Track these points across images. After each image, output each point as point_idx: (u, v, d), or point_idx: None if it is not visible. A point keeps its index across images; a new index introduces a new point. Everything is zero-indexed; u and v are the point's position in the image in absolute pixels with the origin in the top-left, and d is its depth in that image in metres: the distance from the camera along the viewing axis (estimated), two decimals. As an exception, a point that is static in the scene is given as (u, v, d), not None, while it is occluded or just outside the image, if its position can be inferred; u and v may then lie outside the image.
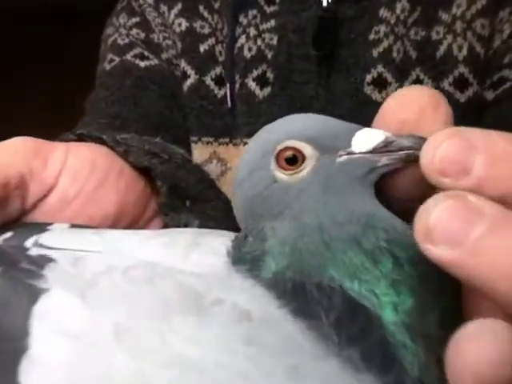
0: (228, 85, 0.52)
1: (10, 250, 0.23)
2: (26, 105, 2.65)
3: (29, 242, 0.24)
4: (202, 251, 0.23)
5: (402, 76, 0.52)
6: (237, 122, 0.52)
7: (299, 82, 0.53)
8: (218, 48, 0.54)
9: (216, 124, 0.53)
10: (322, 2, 0.52)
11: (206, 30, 0.55)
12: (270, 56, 0.53)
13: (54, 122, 2.54)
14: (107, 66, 0.58)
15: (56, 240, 0.24)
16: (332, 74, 0.53)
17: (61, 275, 0.22)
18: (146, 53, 0.56)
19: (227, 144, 0.53)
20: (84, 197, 0.29)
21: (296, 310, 0.21)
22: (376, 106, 0.49)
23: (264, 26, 0.54)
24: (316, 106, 0.53)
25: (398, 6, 0.52)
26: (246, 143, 0.51)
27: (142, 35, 0.57)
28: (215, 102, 0.53)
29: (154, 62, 0.56)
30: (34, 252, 0.23)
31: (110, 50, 0.59)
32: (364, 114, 0.50)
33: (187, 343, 0.20)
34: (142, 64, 0.56)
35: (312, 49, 0.52)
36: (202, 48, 0.54)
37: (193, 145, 0.54)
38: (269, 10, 0.55)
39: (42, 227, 0.25)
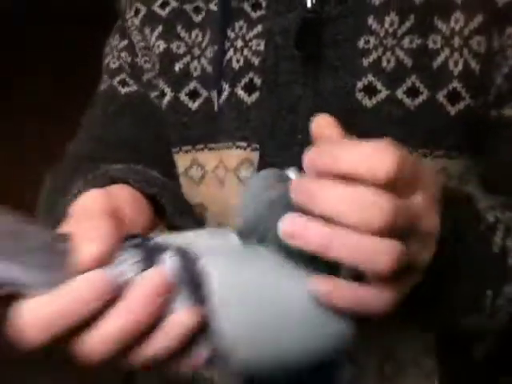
0: (216, 94, 0.56)
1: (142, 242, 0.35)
2: (26, 104, 2.66)
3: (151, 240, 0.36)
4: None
5: (395, 84, 0.53)
6: (224, 127, 0.56)
7: (286, 83, 0.54)
8: (194, 64, 0.58)
9: (192, 133, 0.58)
10: (306, 3, 0.54)
11: (182, 50, 0.59)
12: (257, 62, 0.56)
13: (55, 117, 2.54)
14: (101, 87, 0.68)
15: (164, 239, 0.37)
16: (319, 74, 0.54)
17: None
18: (127, 79, 0.64)
19: (203, 150, 0.57)
20: (134, 221, 0.40)
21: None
22: (366, 112, 0.52)
23: (251, 34, 0.56)
24: (303, 106, 0.54)
25: (387, 20, 0.53)
26: (238, 146, 0.55)
27: (129, 59, 0.64)
28: (190, 114, 0.58)
29: (134, 88, 0.63)
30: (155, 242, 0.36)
31: (105, 71, 0.68)
32: (354, 119, 0.52)
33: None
34: (123, 91, 0.63)
35: (294, 49, 0.54)
36: (177, 67, 0.59)
37: (175, 155, 0.59)
38: (255, 15, 0.57)
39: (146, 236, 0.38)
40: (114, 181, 0.43)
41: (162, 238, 0.37)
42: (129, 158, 0.54)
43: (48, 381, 2.15)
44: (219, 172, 0.56)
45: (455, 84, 0.53)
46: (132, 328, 0.33)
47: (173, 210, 0.44)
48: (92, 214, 0.36)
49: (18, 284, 0.32)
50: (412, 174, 0.36)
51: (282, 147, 0.54)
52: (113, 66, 0.67)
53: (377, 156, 0.34)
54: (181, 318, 0.34)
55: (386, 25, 0.53)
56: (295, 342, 0.36)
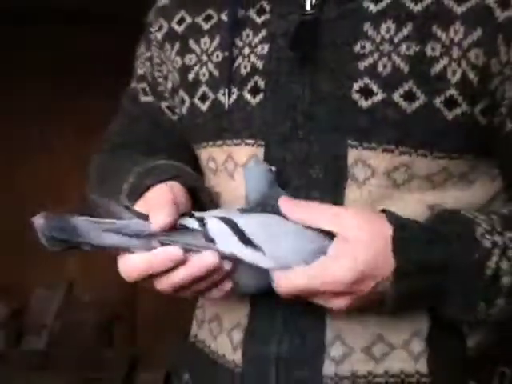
0: (226, 97, 0.62)
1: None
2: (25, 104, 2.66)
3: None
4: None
5: (391, 87, 0.55)
6: (233, 126, 0.61)
7: (286, 84, 0.58)
8: (202, 70, 0.64)
9: (204, 132, 0.65)
10: (305, 5, 0.57)
11: (193, 61, 0.65)
12: (261, 66, 0.60)
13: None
14: (131, 84, 0.77)
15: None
16: (316, 75, 0.57)
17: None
18: (147, 89, 0.73)
19: (213, 146, 0.64)
20: (184, 206, 0.56)
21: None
22: (362, 112, 0.55)
23: (256, 40, 0.60)
24: (301, 107, 0.57)
25: (383, 27, 0.55)
26: (246, 144, 0.60)
27: (149, 69, 0.72)
28: (202, 115, 0.64)
29: (150, 99, 0.72)
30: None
31: (134, 72, 0.77)
32: (350, 119, 0.55)
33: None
34: (142, 99, 0.73)
35: (288, 50, 0.58)
36: (190, 77, 0.65)
37: (197, 151, 0.67)
38: (260, 20, 0.61)
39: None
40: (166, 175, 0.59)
41: (203, 213, 0.56)
42: (149, 152, 0.69)
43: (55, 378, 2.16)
44: (228, 165, 0.62)
45: (452, 91, 0.54)
46: (188, 281, 0.53)
47: (205, 199, 0.61)
48: (161, 201, 0.54)
49: (124, 247, 0.53)
50: (371, 262, 0.51)
51: (285, 143, 0.58)
52: (139, 71, 0.75)
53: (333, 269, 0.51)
54: (208, 257, 0.51)
55: (383, 32, 0.55)
56: (295, 253, 0.54)
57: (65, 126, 2.68)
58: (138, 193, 0.58)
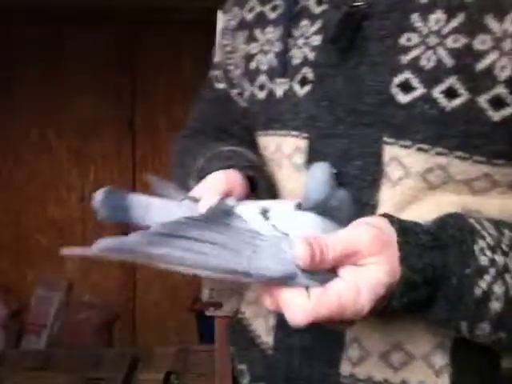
0: (278, 88, 0.61)
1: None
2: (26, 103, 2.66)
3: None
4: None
5: (432, 83, 0.51)
6: (281, 117, 0.61)
7: (331, 76, 0.57)
8: (263, 60, 0.64)
9: (259, 120, 0.65)
10: None
11: (256, 49, 0.66)
12: (312, 57, 0.59)
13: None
14: (210, 71, 0.79)
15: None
16: (359, 67, 0.55)
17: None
18: (219, 76, 0.75)
19: (266, 135, 0.64)
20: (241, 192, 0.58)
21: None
22: (400, 107, 0.52)
23: (311, 30, 0.59)
24: (342, 101, 0.56)
25: (432, 17, 0.52)
26: (292, 135, 0.60)
27: (223, 57, 0.73)
28: (258, 104, 0.65)
29: (223, 85, 0.75)
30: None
31: (213, 59, 0.78)
32: (387, 114, 0.53)
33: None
34: (215, 85, 0.77)
35: (328, 42, 0.57)
36: (252, 65, 0.66)
37: (256, 138, 0.68)
38: (317, 10, 0.59)
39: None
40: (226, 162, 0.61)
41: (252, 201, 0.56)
42: (222, 138, 0.74)
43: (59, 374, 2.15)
44: (277, 156, 0.63)
45: (500, 89, 0.50)
46: None
47: (263, 186, 0.62)
48: (212, 189, 0.56)
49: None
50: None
51: (327, 136, 0.57)
52: (215, 59, 0.77)
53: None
54: None
55: (431, 23, 0.52)
56: None
57: (65, 126, 2.68)
58: (201, 177, 0.60)
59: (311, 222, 0.51)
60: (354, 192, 0.55)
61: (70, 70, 2.64)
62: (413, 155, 0.52)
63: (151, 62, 2.65)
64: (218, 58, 0.76)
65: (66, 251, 0.43)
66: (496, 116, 0.50)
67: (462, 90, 0.50)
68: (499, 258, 0.48)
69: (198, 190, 0.57)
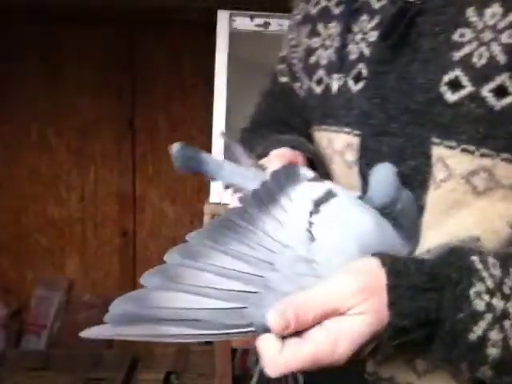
0: (334, 83, 0.61)
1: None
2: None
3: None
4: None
5: (482, 80, 0.49)
6: (335, 112, 0.61)
7: (383, 73, 0.56)
8: (323, 54, 0.64)
9: (315, 115, 0.66)
10: None
11: (317, 44, 0.65)
12: (368, 53, 0.58)
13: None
14: (276, 66, 0.80)
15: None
16: (412, 65, 0.54)
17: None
18: (285, 70, 0.76)
19: (319, 130, 0.65)
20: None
21: None
22: (447, 106, 0.51)
23: (369, 25, 0.58)
24: (394, 98, 0.55)
25: (488, 12, 0.50)
26: (344, 131, 0.60)
27: (289, 51, 0.74)
28: (315, 98, 0.65)
29: (286, 79, 0.76)
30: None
31: (280, 53, 0.79)
32: (434, 113, 0.51)
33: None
34: (279, 79, 0.78)
35: (379, 39, 0.56)
36: (312, 60, 0.66)
37: (312, 132, 0.68)
38: (377, 6, 0.58)
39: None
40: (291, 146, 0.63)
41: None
42: (283, 131, 0.73)
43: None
44: (328, 151, 0.63)
45: None
46: None
47: (320, 171, 0.61)
48: (284, 156, 0.59)
49: (240, 187, 0.58)
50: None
51: (379, 134, 0.56)
52: (281, 53, 0.78)
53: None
54: None
55: (486, 17, 0.50)
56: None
57: (65, 126, 2.68)
58: (264, 155, 0.61)
59: (364, 223, 0.51)
60: None
61: (70, 69, 2.63)
62: (457, 156, 0.51)
63: (151, 62, 2.65)
64: (283, 52, 0.77)
65: (84, 333, 0.47)
66: None
67: None
68: (498, 303, 0.45)
69: (265, 160, 0.60)
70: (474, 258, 0.47)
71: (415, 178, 0.54)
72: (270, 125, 0.77)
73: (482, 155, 0.50)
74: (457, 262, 0.47)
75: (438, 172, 0.52)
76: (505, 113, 0.49)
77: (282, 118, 0.77)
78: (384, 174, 0.53)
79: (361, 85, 0.58)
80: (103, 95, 2.66)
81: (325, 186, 0.55)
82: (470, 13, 0.51)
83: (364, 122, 0.57)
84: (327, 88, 0.62)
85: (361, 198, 0.54)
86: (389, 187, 0.52)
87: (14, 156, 2.68)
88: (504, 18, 0.49)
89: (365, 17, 0.59)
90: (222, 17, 1.42)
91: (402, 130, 0.54)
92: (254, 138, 0.72)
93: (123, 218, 2.73)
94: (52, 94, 2.64)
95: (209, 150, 1.38)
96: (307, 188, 0.54)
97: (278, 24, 1.45)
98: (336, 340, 0.43)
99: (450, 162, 0.51)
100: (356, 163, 0.59)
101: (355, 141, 0.58)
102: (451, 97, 0.51)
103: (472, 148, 0.50)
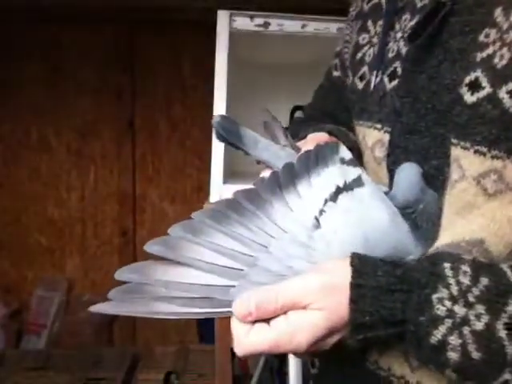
0: (373, 80, 0.62)
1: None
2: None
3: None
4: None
5: (501, 81, 0.49)
6: (369, 108, 0.62)
7: (415, 73, 0.56)
8: (369, 51, 0.65)
9: (355, 109, 0.67)
10: None
11: (365, 41, 0.67)
12: (404, 52, 0.58)
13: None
14: (332, 61, 0.81)
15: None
16: (442, 65, 0.54)
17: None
18: (338, 64, 0.78)
19: (357, 125, 0.66)
20: None
21: None
22: (465, 107, 0.51)
23: (410, 24, 0.58)
24: (424, 98, 0.55)
25: None
26: (375, 128, 0.61)
27: (342, 46, 0.75)
28: (356, 93, 0.67)
29: (339, 73, 0.77)
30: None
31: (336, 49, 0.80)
32: (454, 113, 0.52)
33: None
34: (333, 73, 0.79)
35: (408, 38, 0.56)
36: (358, 56, 0.67)
37: (358, 127, 0.68)
38: (420, 4, 0.58)
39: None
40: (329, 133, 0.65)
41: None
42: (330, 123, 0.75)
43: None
44: (362, 146, 0.65)
45: None
46: None
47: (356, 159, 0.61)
48: (319, 138, 0.60)
49: (271, 164, 0.60)
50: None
51: (408, 132, 0.57)
52: (337, 48, 0.79)
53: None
54: None
55: None
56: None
57: (65, 126, 2.68)
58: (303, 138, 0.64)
59: (379, 219, 0.52)
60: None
61: (70, 70, 2.64)
62: (470, 157, 0.51)
63: (151, 62, 2.65)
64: (339, 47, 0.78)
65: (92, 308, 0.52)
66: None
67: None
68: (459, 310, 0.46)
69: (302, 143, 0.62)
70: (447, 265, 0.48)
71: (438, 178, 0.54)
72: (318, 118, 0.79)
73: (493, 157, 0.50)
74: (429, 267, 0.48)
75: (453, 172, 0.52)
76: None
77: (331, 111, 0.79)
78: (409, 174, 0.55)
79: (394, 83, 0.59)
80: (103, 95, 2.66)
81: (356, 172, 0.56)
82: (498, 12, 0.50)
83: (395, 120, 0.58)
84: (367, 84, 0.64)
85: (386, 193, 0.55)
86: (413, 187, 0.54)
87: (14, 156, 2.68)
88: None
89: (407, 15, 0.59)
90: (222, 17, 1.42)
91: (428, 130, 0.55)
92: (300, 127, 0.75)
93: (123, 217, 2.73)
94: (52, 94, 2.64)
95: (209, 150, 1.39)
96: (337, 172, 0.55)
97: (278, 24, 1.44)
98: (295, 330, 0.48)
99: (463, 162, 0.51)
100: (384, 159, 0.59)
101: (385, 137, 0.59)
102: (470, 98, 0.51)
103: (484, 149, 0.50)
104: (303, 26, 1.42)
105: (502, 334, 0.45)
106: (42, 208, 2.72)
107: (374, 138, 0.61)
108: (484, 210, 0.51)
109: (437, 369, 0.49)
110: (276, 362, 1.83)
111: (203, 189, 2.49)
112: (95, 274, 2.75)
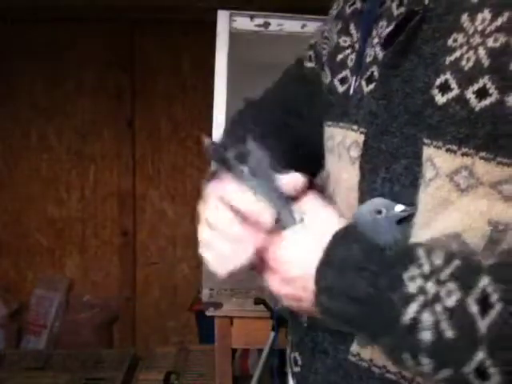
0: (353, 84, 0.64)
1: None
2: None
3: None
4: None
5: (467, 83, 0.52)
6: (349, 111, 0.64)
7: (390, 76, 0.59)
8: (351, 56, 0.67)
9: (334, 111, 0.68)
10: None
11: (347, 44, 0.68)
12: (380, 57, 0.61)
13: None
14: (304, 52, 0.81)
15: None
16: (416, 69, 0.57)
17: None
18: (313, 56, 0.78)
19: (336, 126, 0.67)
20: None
21: None
22: (437, 108, 0.53)
23: (386, 30, 0.61)
24: (398, 100, 0.58)
25: (479, 17, 0.52)
26: (352, 129, 0.63)
27: (320, 40, 0.76)
28: (336, 96, 0.68)
29: (312, 65, 0.78)
30: None
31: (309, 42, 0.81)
32: (426, 114, 0.54)
33: None
34: (306, 64, 0.79)
35: (382, 45, 0.59)
36: (339, 57, 0.68)
37: (325, 127, 0.70)
38: (396, 12, 0.61)
39: None
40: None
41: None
42: (290, 118, 0.77)
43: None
44: (340, 147, 0.66)
45: None
46: None
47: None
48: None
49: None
50: None
51: (382, 134, 0.59)
52: (311, 41, 0.79)
53: None
54: None
55: (477, 22, 0.52)
56: None
57: (65, 126, 2.68)
58: None
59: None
60: (397, 189, 0.57)
61: (70, 69, 2.64)
62: (442, 156, 0.53)
63: (151, 61, 2.65)
64: (313, 40, 0.79)
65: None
66: None
67: (492, 90, 0.50)
68: (430, 287, 0.47)
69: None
70: (420, 248, 0.50)
71: (407, 177, 0.57)
72: (275, 111, 0.80)
73: (463, 154, 0.52)
74: (402, 250, 0.51)
75: (427, 171, 0.55)
76: (483, 113, 0.51)
77: (293, 103, 0.80)
78: (384, 222, 0.57)
79: (371, 86, 0.61)
80: (103, 95, 2.66)
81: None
82: (465, 18, 0.53)
83: (370, 121, 0.61)
84: (348, 88, 0.66)
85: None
86: (390, 233, 0.56)
87: (14, 156, 2.69)
88: (492, 22, 0.51)
89: (384, 22, 0.62)
90: (222, 17, 1.42)
91: (399, 130, 0.58)
92: (246, 120, 0.78)
93: (123, 218, 2.73)
94: (52, 94, 2.64)
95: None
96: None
97: (278, 24, 1.44)
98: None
99: (436, 161, 0.54)
100: (358, 159, 0.62)
101: (361, 138, 0.62)
102: (441, 99, 0.54)
103: (455, 148, 0.53)
104: (303, 26, 1.42)
105: (474, 309, 0.45)
106: (42, 208, 2.72)
107: (350, 138, 0.63)
108: (458, 205, 0.53)
109: (414, 359, 0.48)
110: (276, 362, 1.83)
111: (203, 189, 2.49)
112: (95, 274, 2.75)
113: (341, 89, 0.68)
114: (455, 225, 0.53)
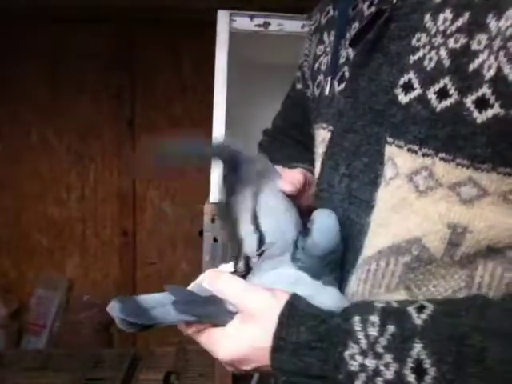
0: (326, 85, 0.66)
1: None
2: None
3: None
4: None
5: (429, 83, 0.52)
6: (322, 111, 0.67)
7: (358, 76, 0.60)
8: (323, 61, 0.69)
9: (313, 115, 0.71)
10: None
11: (321, 51, 0.70)
12: (352, 57, 0.62)
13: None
14: (295, 73, 0.85)
15: None
16: (382, 68, 0.57)
17: None
18: (300, 77, 0.81)
19: (316, 129, 0.69)
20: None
21: None
22: (400, 107, 0.54)
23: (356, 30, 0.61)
24: (363, 98, 0.59)
25: (441, 17, 0.52)
26: (323, 127, 0.66)
27: (303, 59, 0.79)
28: (315, 101, 0.70)
29: (300, 86, 0.82)
30: None
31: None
32: (389, 113, 0.55)
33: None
34: (297, 86, 0.83)
35: (349, 44, 0.60)
36: (316, 66, 0.71)
37: (315, 131, 0.72)
38: (366, 12, 0.61)
39: None
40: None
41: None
42: (297, 136, 0.85)
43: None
44: (319, 148, 0.68)
45: (485, 90, 0.48)
46: None
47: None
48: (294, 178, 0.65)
49: (192, 321, 0.63)
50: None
51: (346, 132, 0.61)
52: (299, 60, 0.82)
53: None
54: None
55: (439, 22, 0.52)
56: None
57: (65, 126, 2.68)
58: None
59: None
60: (355, 186, 0.58)
61: (70, 69, 2.64)
62: (403, 155, 0.54)
63: (151, 62, 2.65)
64: (300, 60, 0.81)
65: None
66: (479, 118, 0.49)
67: (452, 91, 0.50)
68: (370, 363, 0.49)
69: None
70: (357, 318, 0.51)
71: (367, 175, 0.57)
72: (288, 131, 0.86)
73: (424, 155, 0.52)
74: (342, 324, 0.51)
75: (388, 170, 0.55)
76: (444, 114, 0.51)
77: (298, 123, 0.84)
78: (327, 220, 0.58)
79: (342, 86, 0.63)
80: (103, 95, 2.66)
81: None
82: (427, 18, 0.53)
83: (337, 120, 0.62)
84: (322, 91, 0.67)
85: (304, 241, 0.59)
86: (332, 235, 0.58)
87: (14, 156, 2.68)
88: (453, 23, 0.51)
89: (356, 23, 0.63)
90: (222, 17, 1.42)
91: (363, 128, 0.58)
92: (273, 147, 0.83)
93: (123, 218, 2.73)
94: (52, 94, 2.64)
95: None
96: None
97: (278, 24, 1.45)
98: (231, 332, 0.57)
99: (397, 160, 0.54)
100: (321, 155, 0.65)
101: (327, 135, 0.64)
102: (404, 98, 0.54)
103: (415, 148, 0.53)
104: (303, 26, 1.42)
105: (411, 378, 0.47)
106: (42, 208, 2.72)
107: (320, 136, 0.66)
108: (416, 207, 0.53)
109: None
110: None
111: (203, 189, 2.49)
112: (95, 274, 2.75)
113: (316, 93, 0.70)
114: (414, 228, 0.53)
